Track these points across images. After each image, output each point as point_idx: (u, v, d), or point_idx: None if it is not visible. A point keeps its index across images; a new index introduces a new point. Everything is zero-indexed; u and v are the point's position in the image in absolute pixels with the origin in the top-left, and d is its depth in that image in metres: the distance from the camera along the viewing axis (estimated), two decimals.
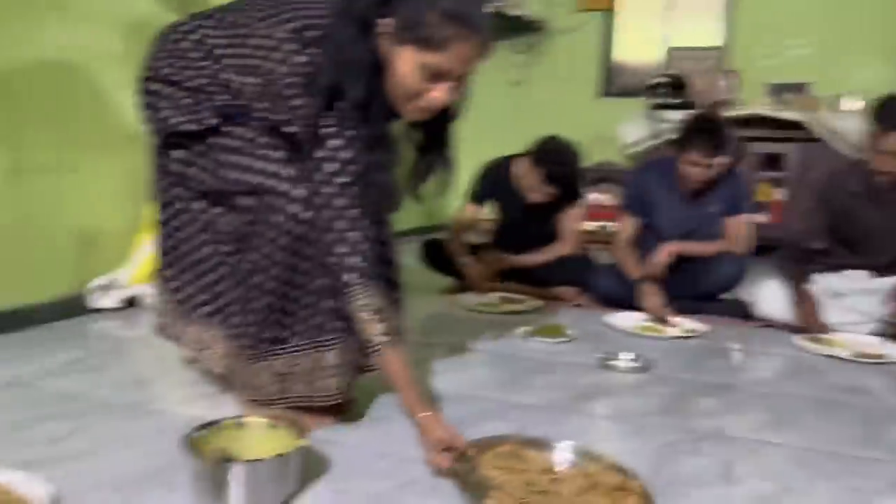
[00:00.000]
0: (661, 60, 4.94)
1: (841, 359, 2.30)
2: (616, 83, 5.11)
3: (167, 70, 1.50)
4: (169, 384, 1.91)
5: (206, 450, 1.21)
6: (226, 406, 1.67)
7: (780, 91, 4.42)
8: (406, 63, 1.34)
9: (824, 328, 2.54)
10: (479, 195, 3.13)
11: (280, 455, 1.18)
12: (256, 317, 1.45)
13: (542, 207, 3.00)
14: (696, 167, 2.74)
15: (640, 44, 5.07)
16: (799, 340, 2.45)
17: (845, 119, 3.92)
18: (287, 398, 1.50)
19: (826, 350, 2.36)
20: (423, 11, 1.30)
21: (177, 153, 1.49)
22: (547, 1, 5.08)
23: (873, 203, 2.55)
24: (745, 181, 2.97)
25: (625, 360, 2.12)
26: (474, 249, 3.15)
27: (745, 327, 2.70)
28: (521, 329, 1.74)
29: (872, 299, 2.56)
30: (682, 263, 2.82)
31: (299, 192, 1.37)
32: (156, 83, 1.52)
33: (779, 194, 4.29)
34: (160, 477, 1.29)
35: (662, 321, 2.63)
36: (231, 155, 1.42)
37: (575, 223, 3.14)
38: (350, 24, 1.34)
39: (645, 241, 2.96)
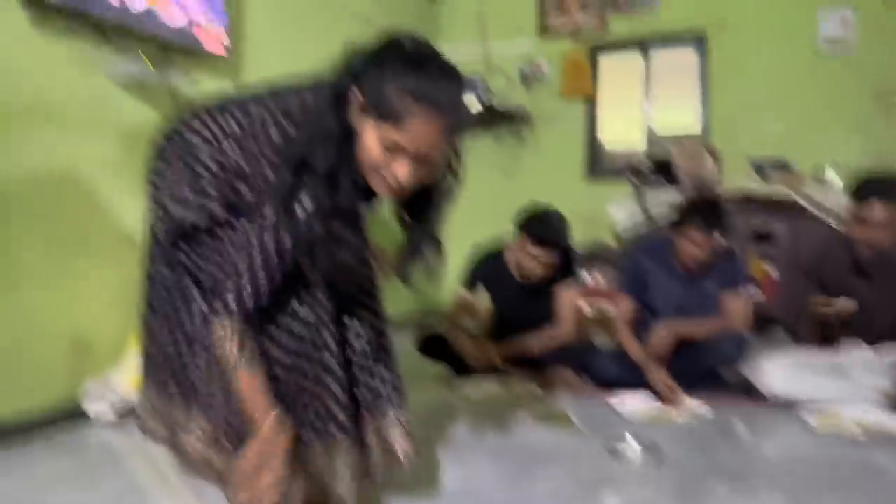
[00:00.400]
0: (643, 143, 5.08)
1: (851, 437, 2.26)
2: (602, 166, 5.22)
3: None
4: (164, 496, 1.85)
5: None
6: None
7: (763, 167, 4.51)
8: (369, 136, 1.35)
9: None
10: (472, 280, 3.13)
11: None
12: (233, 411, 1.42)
13: (538, 287, 3.00)
14: (695, 246, 2.78)
15: (622, 128, 5.22)
16: (808, 418, 2.42)
17: (830, 192, 3.99)
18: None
19: (835, 428, 2.33)
20: (386, 86, 1.31)
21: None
22: (531, 91, 5.24)
23: (861, 277, 2.57)
24: (741, 259, 3.00)
25: (633, 447, 2.08)
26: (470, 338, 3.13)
27: (750, 405, 2.66)
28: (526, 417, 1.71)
29: (876, 374, 2.54)
30: (682, 342, 2.81)
31: None
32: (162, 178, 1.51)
33: (771, 270, 4.32)
34: None
35: (673, 399, 2.61)
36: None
37: (571, 305, 3.13)
38: (324, 97, 1.38)
39: (643, 322, 2.96)
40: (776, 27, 4.71)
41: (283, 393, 1.42)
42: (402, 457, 1.56)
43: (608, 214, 4.70)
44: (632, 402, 2.62)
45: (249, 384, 1.36)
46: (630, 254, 3.21)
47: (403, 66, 1.31)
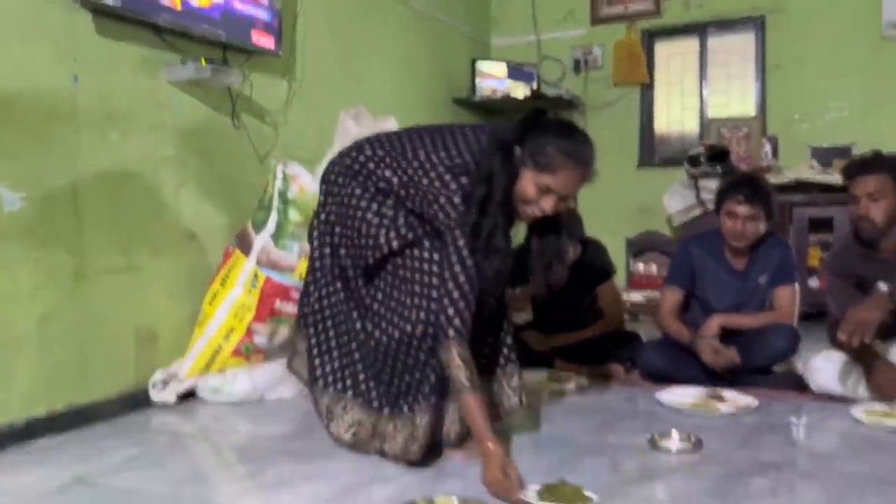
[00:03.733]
0: (699, 130, 5.00)
1: None
2: (657, 154, 5.16)
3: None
4: (225, 478, 1.97)
5: None
6: (283, 498, 1.71)
7: (824, 154, 4.41)
8: (527, 180, 1.85)
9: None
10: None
11: None
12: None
13: (577, 285, 3.02)
14: (735, 220, 2.77)
15: (678, 114, 5.14)
16: (856, 412, 2.39)
17: None
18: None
19: (886, 422, 2.29)
20: (545, 147, 1.83)
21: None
22: (584, 79, 5.21)
23: (876, 260, 2.53)
24: (791, 250, 2.96)
25: (676, 440, 2.10)
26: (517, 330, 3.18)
27: (799, 400, 2.64)
28: (533, 491, 1.65)
29: None
30: (732, 336, 2.80)
31: None
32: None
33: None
34: None
35: (730, 373, 2.65)
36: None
37: (612, 298, 3.16)
38: (495, 152, 1.86)
39: (692, 315, 2.96)
40: (838, 10, 4.58)
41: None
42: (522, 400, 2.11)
43: (663, 203, 4.66)
44: (678, 393, 2.63)
45: (475, 404, 1.79)
46: (681, 245, 3.20)
47: (557, 133, 1.87)
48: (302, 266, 2.66)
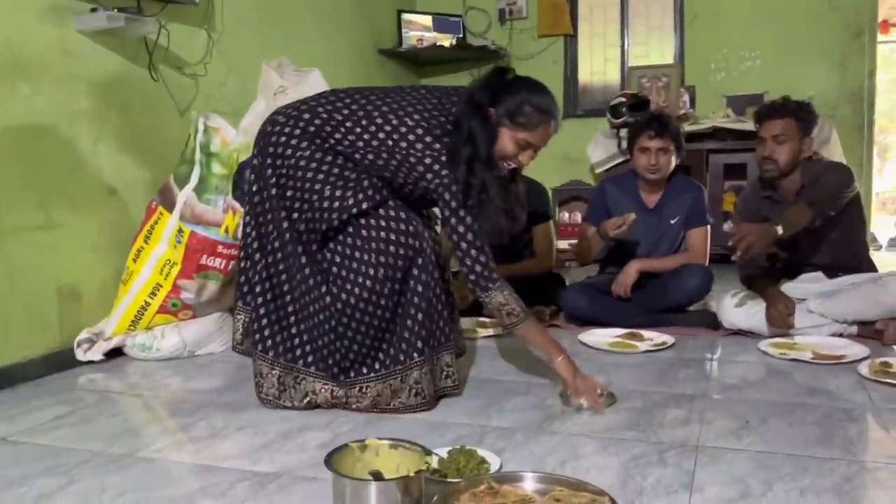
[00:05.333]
0: (620, 80, 5.10)
1: (803, 362, 2.40)
2: (581, 104, 5.25)
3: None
4: (157, 432, 1.97)
5: (343, 470, 1.34)
6: (217, 449, 1.74)
7: (738, 103, 4.57)
8: (506, 138, 1.96)
9: (791, 328, 2.64)
10: None
11: (413, 474, 1.32)
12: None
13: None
14: (648, 153, 2.92)
15: (600, 65, 5.23)
16: (764, 346, 2.55)
17: None
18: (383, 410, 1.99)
19: (790, 354, 2.46)
20: (522, 105, 1.94)
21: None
22: (509, 29, 5.23)
23: (780, 203, 2.69)
24: (703, 193, 3.10)
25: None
26: None
27: (712, 337, 2.80)
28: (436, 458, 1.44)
29: (830, 301, 2.66)
30: (649, 278, 2.93)
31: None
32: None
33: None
34: None
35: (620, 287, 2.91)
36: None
37: (546, 239, 3.26)
38: (473, 115, 1.93)
39: (610, 256, 3.08)
40: None
41: None
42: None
43: (587, 154, 4.77)
44: (599, 334, 2.74)
45: (537, 329, 2.03)
46: (598, 186, 3.32)
47: (529, 90, 1.97)
48: (228, 220, 2.64)
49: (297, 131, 1.96)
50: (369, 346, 1.97)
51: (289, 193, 1.96)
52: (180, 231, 2.60)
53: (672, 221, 3.02)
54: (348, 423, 1.91)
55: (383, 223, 1.92)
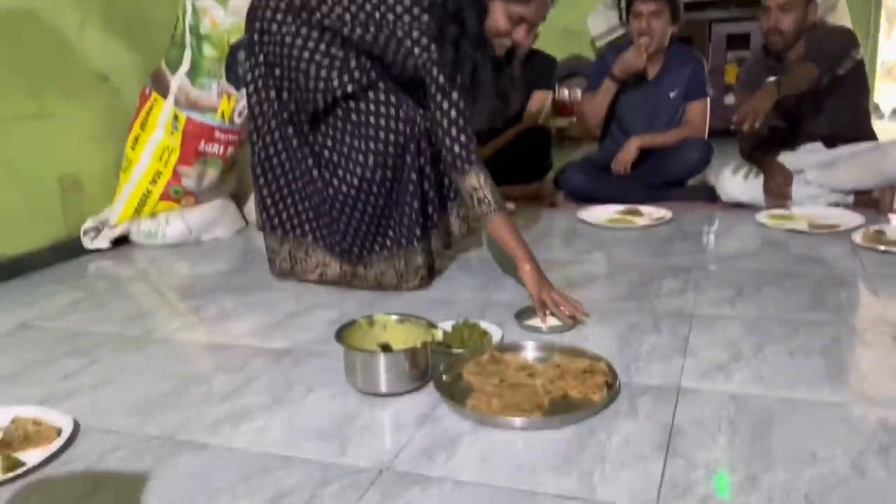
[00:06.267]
0: None
1: (799, 232, 2.44)
2: None
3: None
4: (169, 315, 2.04)
5: (353, 344, 1.42)
6: (229, 329, 1.80)
7: None
8: (498, 12, 1.82)
9: (788, 200, 2.66)
10: None
11: (419, 346, 1.39)
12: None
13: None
14: (641, 17, 2.87)
15: None
16: (761, 217, 2.58)
17: None
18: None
19: (786, 224, 2.50)
20: None
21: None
22: None
23: (781, 72, 2.65)
24: (703, 64, 3.05)
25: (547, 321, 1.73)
26: None
27: (710, 210, 2.82)
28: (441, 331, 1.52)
29: (829, 171, 2.67)
30: (648, 153, 2.93)
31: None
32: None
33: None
34: (171, 398, 1.43)
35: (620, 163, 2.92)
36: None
37: (540, 105, 3.25)
38: None
39: (610, 132, 3.06)
40: None
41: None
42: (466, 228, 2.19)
43: (587, 27, 4.63)
44: (598, 211, 2.77)
45: (508, 227, 1.83)
46: (598, 58, 3.26)
47: None
48: (223, 105, 2.61)
49: (283, 4, 1.90)
50: (366, 231, 1.97)
51: (276, 72, 1.93)
52: (176, 117, 2.57)
53: (671, 93, 2.99)
54: (355, 300, 1.96)
55: (373, 108, 1.88)
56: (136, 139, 2.62)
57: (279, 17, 1.89)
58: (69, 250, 2.53)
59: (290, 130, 1.98)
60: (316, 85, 1.87)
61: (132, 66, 2.78)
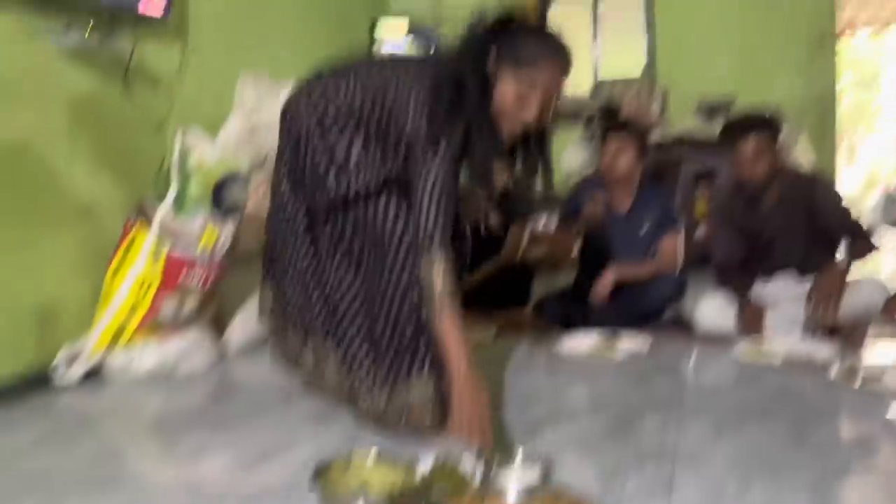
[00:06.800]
0: (592, 89, 5.18)
1: (775, 366, 2.45)
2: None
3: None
4: (140, 453, 1.97)
5: (330, 485, 1.38)
6: (201, 469, 1.74)
7: (708, 110, 4.65)
8: (507, 83, 1.69)
9: (762, 333, 2.70)
10: None
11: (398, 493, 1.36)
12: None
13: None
14: (606, 153, 3.04)
15: (572, 75, 5.28)
16: (737, 351, 2.61)
17: None
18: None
19: (762, 359, 2.52)
20: (526, 40, 1.71)
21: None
22: None
23: (758, 211, 2.77)
24: (673, 198, 3.19)
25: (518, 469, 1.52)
26: None
27: (686, 342, 2.85)
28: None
29: (802, 305, 2.73)
30: (624, 285, 2.99)
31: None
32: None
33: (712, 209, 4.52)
34: None
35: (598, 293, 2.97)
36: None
37: (517, 239, 3.32)
38: (465, 57, 1.71)
39: (585, 263, 3.15)
40: None
41: None
42: None
43: (561, 164, 4.82)
44: (578, 341, 2.78)
45: (453, 324, 1.63)
46: (571, 191, 3.39)
47: (533, 28, 1.77)
48: (206, 236, 2.64)
49: (304, 99, 1.84)
50: (355, 353, 1.81)
51: (289, 166, 1.87)
52: (158, 249, 2.59)
53: (644, 226, 3.11)
54: (332, 435, 1.92)
55: (372, 215, 1.73)
56: (116, 269, 2.62)
57: (301, 109, 1.83)
58: (39, 383, 2.47)
59: (302, 227, 1.87)
60: (319, 182, 1.77)
61: (118, 197, 2.82)
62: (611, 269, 3.00)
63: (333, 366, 1.87)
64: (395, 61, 1.85)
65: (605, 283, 2.96)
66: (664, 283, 2.97)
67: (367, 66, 1.87)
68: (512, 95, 1.70)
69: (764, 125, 2.75)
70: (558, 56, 1.75)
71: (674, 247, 3.09)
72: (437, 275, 1.60)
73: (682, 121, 4.67)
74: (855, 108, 11.10)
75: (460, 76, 1.67)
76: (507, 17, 1.76)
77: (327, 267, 1.82)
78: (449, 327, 1.63)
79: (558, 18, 5.27)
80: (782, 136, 2.80)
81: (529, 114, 1.72)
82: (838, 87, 4.77)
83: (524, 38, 1.72)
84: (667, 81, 4.95)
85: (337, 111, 1.76)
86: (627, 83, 4.95)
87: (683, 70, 4.93)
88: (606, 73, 5.16)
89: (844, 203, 2.76)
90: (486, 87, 1.69)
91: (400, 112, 1.69)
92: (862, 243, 2.70)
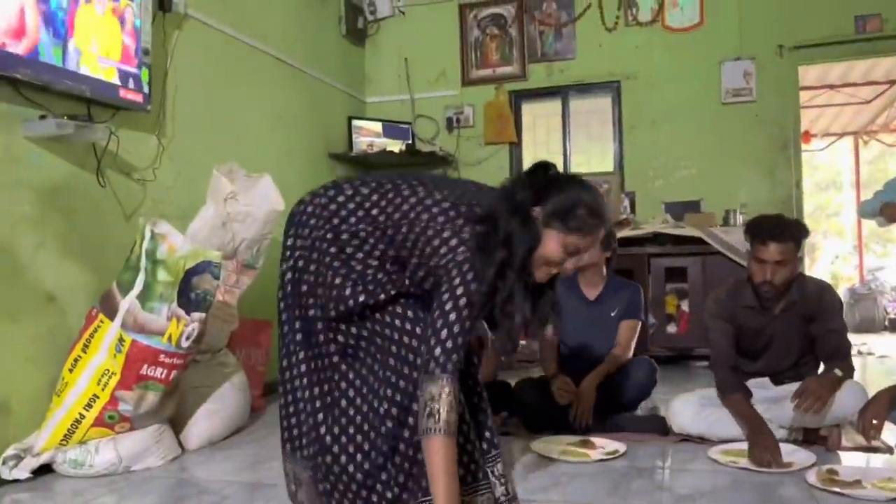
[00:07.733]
0: None
1: (752, 470, 2.40)
2: None
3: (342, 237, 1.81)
4: None
5: None
6: None
7: (676, 209, 4.76)
8: (554, 242, 1.72)
9: (775, 448, 2.48)
10: None
11: None
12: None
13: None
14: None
15: None
16: (713, 453, 2.55)
17: (735, 233, 4.24)
18: None
19: (739, 462, 2.47)
20: (576, 208, 1.72)
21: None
22: (456, 136, 5.40)
23: (764, 314, 2.74)
24: (639, 291, 3.24)
25: None
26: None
27: (663, 443, 2.79)
28: None
29: (778, 407, 2.70)
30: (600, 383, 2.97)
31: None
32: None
33: (684, 305, 4.57)
34: None
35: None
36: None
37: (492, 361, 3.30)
38: (513, 214, 1.70)
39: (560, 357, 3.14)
40: (683, 78, 5.03)
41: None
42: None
43: None
44: (552, 442, 2.71)
45: (445, 446, 1.59)
46: None
47: (579, 190, 1.76)
48: (172, 328, 2.57)
49: (320, 209, 1.85)
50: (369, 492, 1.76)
51: (304, 277, 1.85)
52: (121, 339, 2.51)
53: (612, 314, 3.18)
54: None
55: (388, 332, 1.78)
56: (75, 361, 2.53)
57: (313, 221, 1.83)
58: None
59: (304, 342, 1.87)
60: (331, 293, 1.78)
61: (83, 286, 2.76)
62: (587, 381, 2.94)
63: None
64: (425, 186, 1.82)
65: (589, 399, 2.90)
66: (637, 370, 3.03)
67: (394, 185, 1.83)
68: (553, 254, 1.74)
69: (792, 233, 2.66)
70: (602, 227, 1.79)
71: (630, 332, 3.14)
72: (442, 401, 1.59)
73: (651, 219, 4.76)
74: (816, 209, 11.57)
75: (509, 235, 1.69)
76: (543, 168, 1.81)
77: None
78: (440, 454, 1.60)
79: (531, 115, 5.43)
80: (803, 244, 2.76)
81: (563, 270, 1.79)
82: (801, 193, 4.91)
83: (576, 203, 1.73)
84: (635, 181, 5.08)
85: (357, 223, 1.80)
86: (597, 178, 5.06)
87: (651, 171, 5.08)
88: (578, 170, 5.27)
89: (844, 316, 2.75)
90: (533, 247, 1.72)
91: (433, 253, 1.71)
92: (847, 367, 2.66)
